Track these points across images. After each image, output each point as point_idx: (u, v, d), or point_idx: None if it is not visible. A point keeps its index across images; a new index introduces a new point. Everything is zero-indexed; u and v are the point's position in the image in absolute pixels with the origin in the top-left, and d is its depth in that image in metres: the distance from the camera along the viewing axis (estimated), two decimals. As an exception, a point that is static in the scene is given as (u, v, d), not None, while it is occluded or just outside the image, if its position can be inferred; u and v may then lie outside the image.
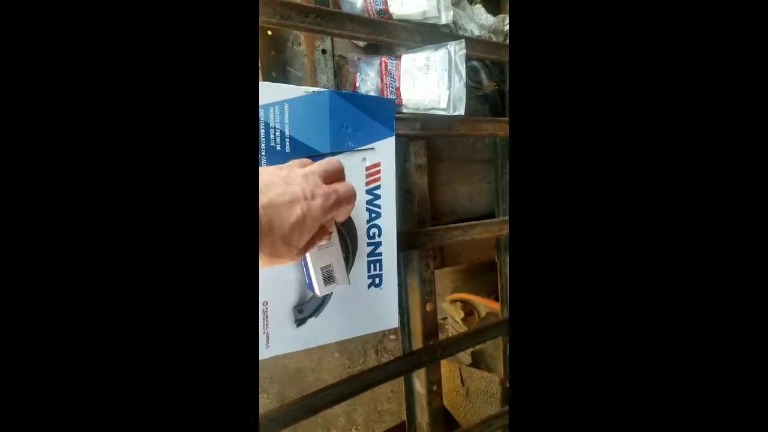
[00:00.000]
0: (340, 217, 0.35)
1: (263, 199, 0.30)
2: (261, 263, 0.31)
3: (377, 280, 0.49)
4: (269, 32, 0.64)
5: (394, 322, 0.50)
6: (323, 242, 0.37)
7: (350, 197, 0.34)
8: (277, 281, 0.41)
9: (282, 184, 0.31)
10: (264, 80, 0.63)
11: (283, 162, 0.43)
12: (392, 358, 1.36)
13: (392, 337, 1.43)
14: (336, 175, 0.35)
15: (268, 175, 0.32)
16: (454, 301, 1.11)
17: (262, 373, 1.27)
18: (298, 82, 0.63)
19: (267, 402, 1.26)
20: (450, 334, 1.21)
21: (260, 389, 1.27)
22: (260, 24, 0.54)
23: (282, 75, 0.64)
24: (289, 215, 0.30)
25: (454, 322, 1.14)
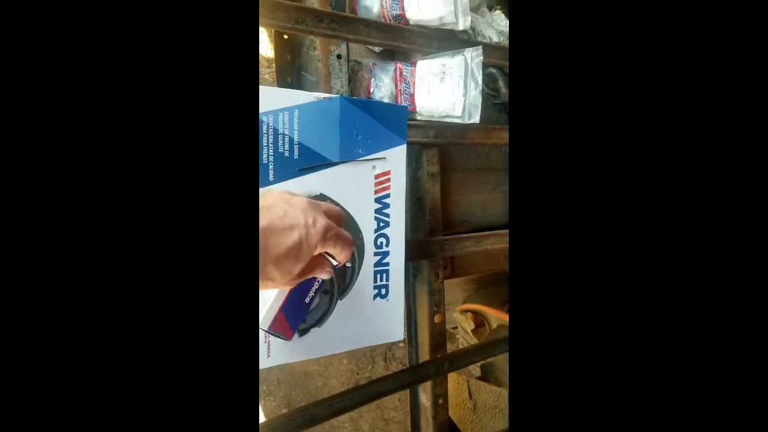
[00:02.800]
0: (339, 257, 0.35)
1: (263, 220, 0.29)
2: None
3: (383, 291, 0.47)
4: (285, 36, 0.64)
5: (399, 334, 0.49)
6: (323, 276, 0.36)
7: (349, 242, 0.34)
8: (280, 289, 0.41)
9: (284, 208, 0.31)
10: (278, 84, 0.63)
11: (292, 169, 0.42)
12: (400, 365, 1.35)
13: (401, 344, 1.42)
14: (337, 220, 0.35)
15: (273, 198, 0.32)
16: (464, 312, 1.09)
17: (270, 376, 1.27)
18: (313, 86, 0.63)
19: (273, 405, 1.26)
20: (460, 345, 1.19)
21: (267, 392, 1.27)
22: (275, 29, 0.54)
23: (297, 79, 0.64)
24: (285, 239, 0.30)
25: (464, 333, 1.12)
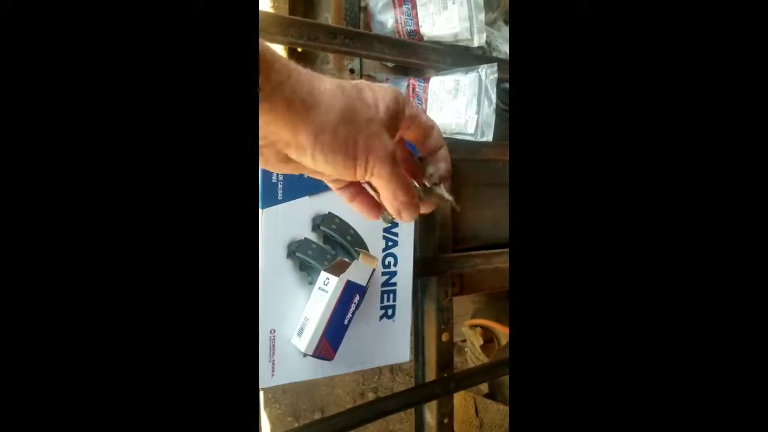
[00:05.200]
0: (431, 140, 0.29)
1: (327, 84, 0.24)
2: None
3: (390, 312, 0.47)
4: (299, 49, 0.64)
5: (405, 356, 0.48)
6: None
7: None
8: (284, 309, 0.40)
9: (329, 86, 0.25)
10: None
11: (301, 189, 0.42)
12: (407, 378, 1.33)
13: (409, 355, 1.41)
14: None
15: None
16: (474, 326, 1.08)
17: (276, 383, 1.27)
18: (325, 100, 0.63)
19: (279, 413, 1.25)
20: (468, 359, 1.17)
21: (273, 399, 1.27)
22: (288, 45, 0.54)
23: (309, 92, 0.64)
24: (363, 99, 0.25)
25: (472, 348, 1.10)
